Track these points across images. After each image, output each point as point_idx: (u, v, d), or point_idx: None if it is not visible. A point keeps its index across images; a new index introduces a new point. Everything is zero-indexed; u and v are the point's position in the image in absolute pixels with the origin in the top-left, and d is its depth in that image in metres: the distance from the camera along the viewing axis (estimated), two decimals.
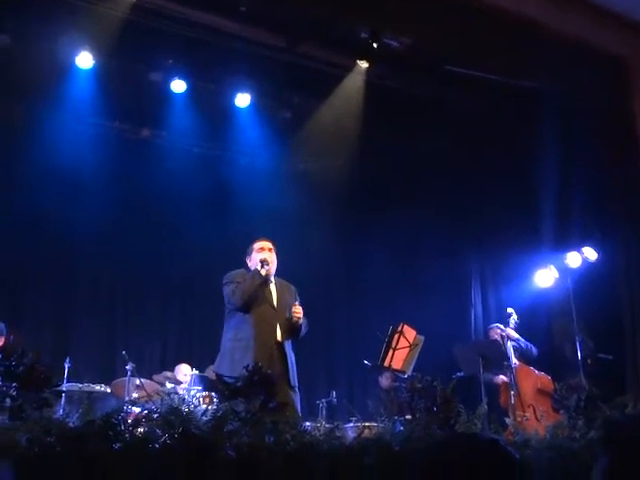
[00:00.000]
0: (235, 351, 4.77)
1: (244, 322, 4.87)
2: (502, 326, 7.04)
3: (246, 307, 4.87)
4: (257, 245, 5.12)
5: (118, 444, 3.10)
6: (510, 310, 7.06)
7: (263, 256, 5.01)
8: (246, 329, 4.84)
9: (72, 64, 7.27)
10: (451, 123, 7.93)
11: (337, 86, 7.74)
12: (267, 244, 5.13)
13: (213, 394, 5.38)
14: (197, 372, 6.54)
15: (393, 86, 7.84)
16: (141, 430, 3.22)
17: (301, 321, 4.95)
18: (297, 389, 4.89)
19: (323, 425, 3.87)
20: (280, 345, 4.87)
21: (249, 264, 5.14)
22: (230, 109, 8.10)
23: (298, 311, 4.91)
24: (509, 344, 6.69)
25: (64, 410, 4.29)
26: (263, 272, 4.93)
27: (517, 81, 7.45)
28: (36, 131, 7.35)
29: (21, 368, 3.21)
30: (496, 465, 1.27)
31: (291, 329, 4.96)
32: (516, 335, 6.92)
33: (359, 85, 7.65)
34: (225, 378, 3.71)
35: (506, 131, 7.87)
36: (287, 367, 4.82)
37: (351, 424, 5.40)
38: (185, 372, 6.68)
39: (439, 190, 8.42)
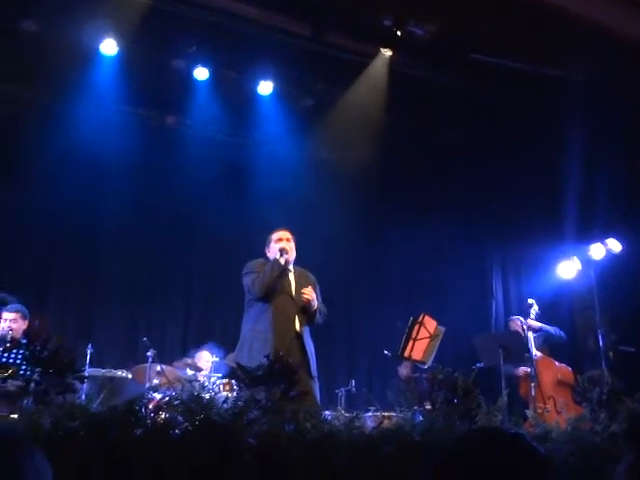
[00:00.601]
0: (254, 342, 4.80)
1: (263, 312, 4.91)
2: (522, 318, 6.99)
3: (266, 297, 4.91)
4: (275, 235, 5.16)
5: (140, 430, 3.13)
6: (531, 301, 6.97)
7: (282, 245, 5.03)
8: (265, 320, 4.87)
9: (96, 51, 7.32)
10: (476, 112, 7.85)
11: (360, 74, 7.69)
12: (285, 234, 5.16)
13: (233, 381, 5.41)
14: (218, 359, 6.58)
15: (417, 75, 7.77)
16: (162, 416, 3.25)
17: (315, 304, 4.97)
18: (317, 379, 4.91)
19: (343, 414, 3.88)
20: (299, 335, 4.90)
21: (268, 254, 5.18)
22: (253, 97, 8.09)
23: (307, 292, 4.93)
24: (530, 335, 6.64)
25: (86, 395, 4.35)
26: (282, 261, 4.97)
27: (543, 70, 7.34)
28: (61, 118, 7.40)
29: (45, 353, 3.26)
30: (521, 460, 1.25)
31: (307, 314, 4.99)
32: (538, 324, 6.85)
33: (383, 73, 7.59)
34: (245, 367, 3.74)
35: (531, 121, 7.77)
36: (307, 357, 4.84)
37: (370, 413, 5.42)
38: (206, 359, 6.71)
39: (462, 181, 8.35)
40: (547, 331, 6.87)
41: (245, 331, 4.97)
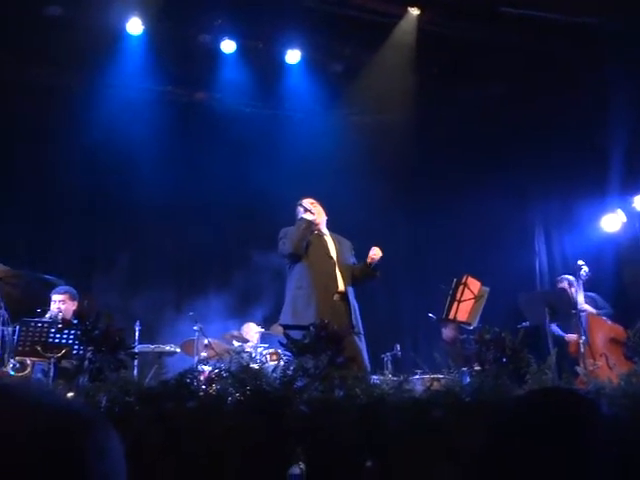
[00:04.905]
0: (297, 300, 4.91)
1: (304, 271, 5.04)
2: (570, 279, 6.81)
3: (298, 253, 5.04)
4: (300, 206, 5.29)
5: (192, 402, 3.19)
6: (580, 262, 6.68)
7: (305, 207, 5.21)
8: (306, 278, 5.00)
9: (123, 31, 7.33)
10: (513, 66, 7.63)
11: (389, 36, 7.55)
12: (308, 200, 5.31)
13: (280, 351, 5.47)
14: (263, 330, 6.64)
15: (447, 32, 7.58)
16: (214, 388, 3.30)
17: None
18: (362, 336, 4.99)
19: (391, 378, 3.90)
20: (343, 294, 5.01)
21: None
22: (281, 66, 8.03)
23: (377, 252, 5.07)
24: (580, 294, 6.47)
25: (138, 370, 4.44)
26: (307, 216, 5.11)
27: (577, 19, 7.09)
28: (92, 100, 7.46)
29: (96, 332, 3.32)
30: (588, 419, 1.22)
31: (364, 272, 5.13)
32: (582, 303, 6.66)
33: (411, 33, 7.45)
34: (291, 332, 3.77)
35: (567, 72, 7.54)
36: (351, 314, 4.94)
37: (417, 376, 5.43)
38: (253, 330, 6.77)
39: (500, 137, 8.15)
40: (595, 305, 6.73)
41: (287, 291, 5.13)
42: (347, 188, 7.34)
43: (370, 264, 5.11)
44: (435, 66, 8.06)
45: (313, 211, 5.18)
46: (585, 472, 1.21)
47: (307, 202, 5.27)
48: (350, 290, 5.10)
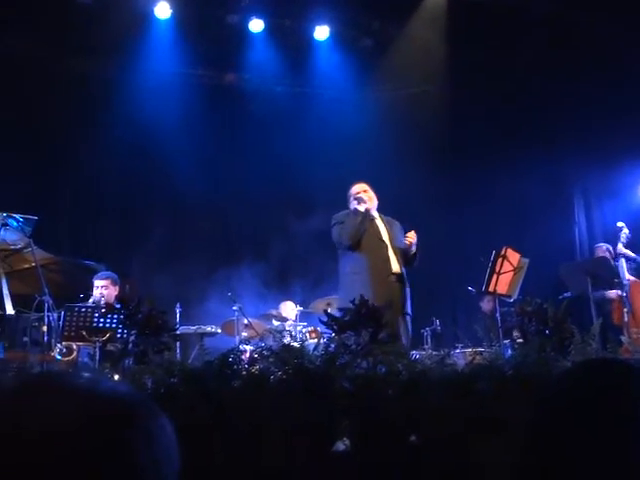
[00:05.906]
0: (355, 284, 4.92)
1: (357, 257, 5.07)
2: (609, 246, 6.68)
3: (355, 245, 5.07)
4: (353, 191, 5.35)
5: (236, 381, 3.22)
6: (620, 224, 6.55)
7: (358, 195, 5.24)
8: (361, 263, 5.03)
9: (151, 15, 7.35)
10: (546, 31, 7.43)
11: (418, 6, 7.42)
12: (361, 186, 5.36)
13: (319, 329, 5.50)
14: (302, 308, 6.67)
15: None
16: (256, 367, 3.33)
17: (414, 249, 5.12)
18: (409, 317, 5.03)
19: (432, 353, 3.89)
20: (398, 275, 5.05)
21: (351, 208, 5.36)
22: (310, 43, 7.98)
23: (411, 235, 5.08)
24: (621, 260, 6.34)
25: (180, 352, 4.50)
26: (361, 208, 5.13)
27: None
28: (124, 86, 7.51)
29: (139, 315, 3.38)
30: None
31: (405, 257, 5.13)
32: (633, 254, 6.52)
33: (441, 3, 7.31)
34: (334, 312, 3.78)
35: (607, 35, 7.30)
36: (404, 296, 4.99)
37: (458, 350, 5.44)
38: (289, 308, 6.82)
39: (539, 104, 7.95)
40: (637, 264, 6.56)
41: (343, 277, 5.16)
42: (380, 164, 7.27)
43: (409, 249, 5.10)
44: (467, 35, 7.88)
45: (365, 199, 5.19)
46: (636, 443, 1.18)
47: (359, 188, 5.29)
48: (405, 271, 5.14)
